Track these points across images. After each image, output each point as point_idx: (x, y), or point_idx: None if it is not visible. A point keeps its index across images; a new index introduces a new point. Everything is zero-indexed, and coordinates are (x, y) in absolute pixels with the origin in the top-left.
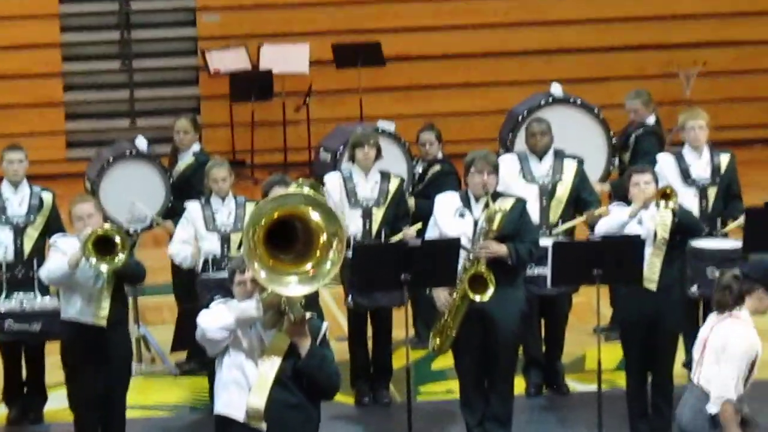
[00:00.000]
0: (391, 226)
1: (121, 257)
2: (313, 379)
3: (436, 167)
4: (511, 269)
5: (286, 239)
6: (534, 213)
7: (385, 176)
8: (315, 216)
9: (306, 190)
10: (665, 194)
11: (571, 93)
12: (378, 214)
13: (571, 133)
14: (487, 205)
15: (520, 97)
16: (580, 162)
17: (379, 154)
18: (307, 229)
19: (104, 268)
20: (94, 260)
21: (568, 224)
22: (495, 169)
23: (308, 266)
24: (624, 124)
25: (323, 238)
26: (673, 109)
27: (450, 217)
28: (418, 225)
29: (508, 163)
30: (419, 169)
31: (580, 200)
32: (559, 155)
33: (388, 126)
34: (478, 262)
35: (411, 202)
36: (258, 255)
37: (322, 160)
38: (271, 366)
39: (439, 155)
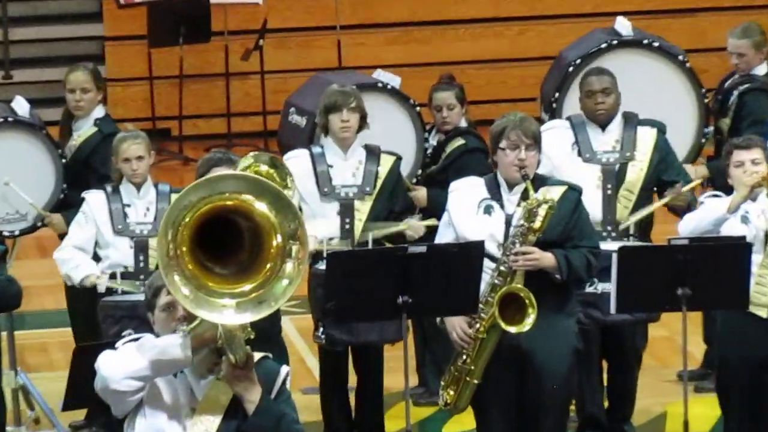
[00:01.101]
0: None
1: None
2: None
3: (458, 141)
4: (559, 288)
5: (224, 244)
6: (594, 206)
7: (373, 154)
8: (263, 209)
9: (263, 169)
10: None
11: (645, 31)
12: (363, 209)
13: (644, 92)
14: (525, 196)
15: (569, 37)
16: (662, 129)
17: (363, 122)
18: (254, 230)
19: None
20: None
21: (644, 212)
22: (536, 143)
23: (253, 284)
24: (722, 75)
25: (276, 242)
26: None
27: (470, 213)
28: (432, 221)
29: (557, 133)
30: (433, 143)
31: (663, 185)
32: (631, 121)
33: (392, 79)
34: (513, 277)
35: (422, 192)
36: (180, 267)
37: (294, 125)
38: (204, 430)
39: (462, 123)
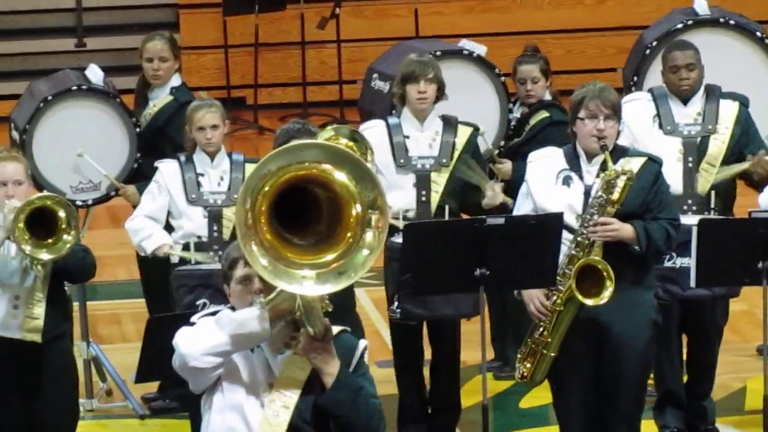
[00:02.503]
0: (461, 199)
1: (67, 241)
2: (344, 421)
3: (542, 114)
4: (638, 260)
5: (302, 215)
6: (675, 179)
7: (450, 125)
8: (342, 178)
9: (343, 142)
10: None
11: (723, 8)
12: (439, 181)
13: (723, 70)
14: (604, 167)
15: (648, 6)
16: (744, 103)
17: (441, 93)
18: (333, 200)
19: (45, 257)
20: (28, 247)
21: (727, 172)
22: (616, 113)
23: (333, 255)
24: None
25: (356, 211)
26: None
27: (549, 184)
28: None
29: (638, 105)
30: (516, 115)
31: (745, 158)
32: (713, 94)
33: (477, 48)
34: (591, 248)
35: (507, 165)
36: (258, 236)
37: (377, 91)
38: (282, 405)
39: (547, 96)
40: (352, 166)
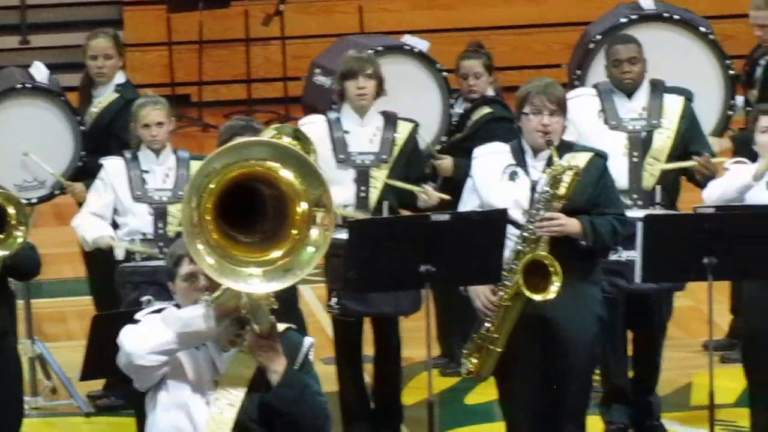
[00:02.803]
0: (400, 195)
1: (17, 237)
2: (290, 419)
3: (484, 109)
4: (585, 255)
5: (247, 213)
6: (620, 173)
7: (390, 121)
8: (288, 176)
9: (286, 141)
10: None
11: (669, 2)
12: (379, 177)
13: (668, 66)
14: (550, 162)
15: (595, 2)
16: (689, 97)
17: (380, 89)
18: (278, 197)
19: None
20: None
21: (672, 165)
22: (561, 109)
23: (279, 252)
24: (750, 41)
25: (301, 209)
26: None
27: (495, 179)
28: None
29: (583, 100)
30: (459, 111)
31: (689, 155)
32: (658, 89)
33: (420, 43)
34: (538, 243)
35: (447, 161)
36: (204, 235)
37: (318, 86)
38: (228, 404)
39: (490, 92)
40: (298, 163)
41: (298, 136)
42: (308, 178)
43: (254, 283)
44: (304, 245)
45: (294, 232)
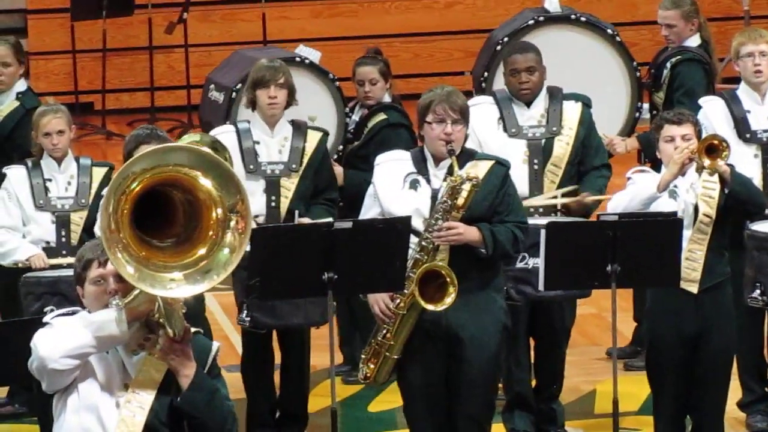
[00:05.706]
0: (309, 204)
1: None
2: (200, 422)
3: (380, 116)
4: (485, 263)
5: (158, 218)
6: (521, 181)
7: (299, 130)
8: (206, 183)
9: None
10: (711, 148)
11: (574, 6)
12: (289, 186)
13: (575, 67)
14: (451, 171)
15: (496, 10)
16: (587, 103)
17: (291, 98)
18: (192, 203)
19: None
20: None
21: (547, 200)
22: (463, 117)
23: (198, 253)
24: (653, 49)
25: (216, 215)
26: (726, 27)
27: (396, 187)
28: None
29: (482, 109)
30: (356, 119)
31: (583, 165)
32: (556, 96)
33: (312, 54)
34: (436, 252)
35: (338, 170)
36: (122, 241)
37: (212, 101)
38: (138, 406)
39: (386, 98)
40: (217, 171)
41: (216, 146)
42: (227, 186)
43: (174, 287)
44: (221, 247)
45: (210, 233)
